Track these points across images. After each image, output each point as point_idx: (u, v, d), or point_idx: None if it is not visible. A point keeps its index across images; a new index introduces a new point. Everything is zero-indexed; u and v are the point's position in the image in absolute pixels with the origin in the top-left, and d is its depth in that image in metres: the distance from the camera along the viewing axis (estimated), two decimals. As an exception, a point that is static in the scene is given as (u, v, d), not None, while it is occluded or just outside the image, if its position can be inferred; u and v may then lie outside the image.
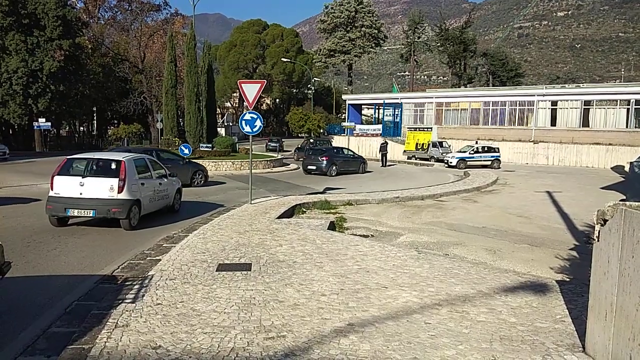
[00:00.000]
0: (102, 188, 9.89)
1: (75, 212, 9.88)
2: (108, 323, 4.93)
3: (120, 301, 5.58)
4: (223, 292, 5.95)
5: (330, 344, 4.53)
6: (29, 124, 38.27)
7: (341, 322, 5.07)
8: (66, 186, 9.92)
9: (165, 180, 12.11)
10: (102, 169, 10.42)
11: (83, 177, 10.03)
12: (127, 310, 5.28)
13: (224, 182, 20.90)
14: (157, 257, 7.59)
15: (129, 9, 50.53)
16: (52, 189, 10.08)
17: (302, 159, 29.25)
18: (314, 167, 25.47)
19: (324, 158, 25.35)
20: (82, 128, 58.96)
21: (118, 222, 10.15)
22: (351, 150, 29.60)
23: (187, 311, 5.29)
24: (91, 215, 9.94)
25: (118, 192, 9.86)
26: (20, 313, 5.54)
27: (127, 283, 6.33)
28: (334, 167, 25.46)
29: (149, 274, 6.69)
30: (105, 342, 4.48)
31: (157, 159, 16.30)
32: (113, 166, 10.30)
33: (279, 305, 5.53)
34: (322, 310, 5.38)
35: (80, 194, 9.84)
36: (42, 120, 36.95)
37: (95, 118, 55.34)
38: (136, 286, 6.13)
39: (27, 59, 34.80)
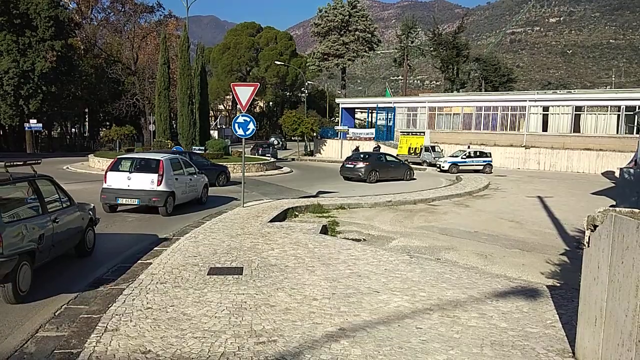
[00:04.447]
0: (145, 181, 12.02)
1: (124, 201, 12.04)
2: (97, 327, 4.89)
3: (109, 304, 5.53)
4: (214, 296, 5.92)
5: (322, 348, 4.52)
6: (20, 125, 37.98)
7: (332, 326, 5.05)
8: (116, 180, 12.08)
9: (195, 176, 14.12)
10: (144, 166, 12.52)
11: (130, 172, 12.25)
12: (116, 314, 5.24)
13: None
14: (148, 261, 7.54)
15: (122, 10, 50.24)
16: (105, 182, 12.17)
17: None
18: None
19: None
20: (73, 129, 58.60)
21: (157, 209, 12.10)
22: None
23: (178, 315, 5.26)
24: (136, 203, 12.08)
25: (157, 185, 11.98)
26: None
27: (116, 287, 6.28)
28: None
29: (139, 277, 6.64)
30: (95, 347, 4.44)
31: (382, 158, 25.81)
32: (153, 164, 12.45)
33: (270, 309, 5.51)
34: (314, 315, 5.37)
35: (128, 186, 12.01)
36: (33, 121, 36.67)
37: (87, 119, 55.03)
38: (126, 290, 6.08)
39: (19, 59, 34.52)
